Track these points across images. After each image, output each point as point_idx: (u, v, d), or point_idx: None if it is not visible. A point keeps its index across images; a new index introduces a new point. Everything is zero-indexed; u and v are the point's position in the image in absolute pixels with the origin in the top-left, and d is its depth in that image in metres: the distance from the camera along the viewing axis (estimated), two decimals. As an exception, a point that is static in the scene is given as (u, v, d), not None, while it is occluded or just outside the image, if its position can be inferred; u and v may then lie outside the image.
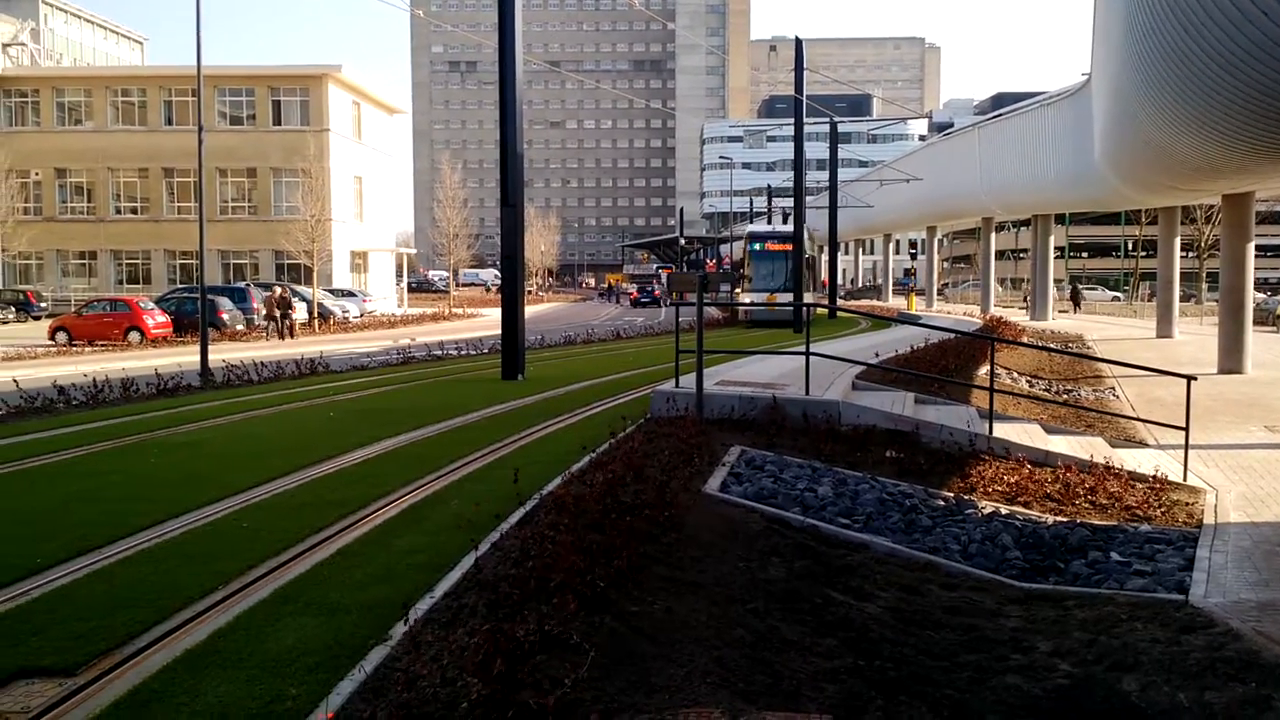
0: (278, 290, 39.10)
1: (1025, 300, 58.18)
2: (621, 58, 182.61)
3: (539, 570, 6.20)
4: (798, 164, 38.15)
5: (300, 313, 41.09)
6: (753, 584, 7.42)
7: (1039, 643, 7.20)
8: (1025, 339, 30.65)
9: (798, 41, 38.35)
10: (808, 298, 41.81)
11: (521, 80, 19.89)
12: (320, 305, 43.41)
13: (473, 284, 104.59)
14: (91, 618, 5.82)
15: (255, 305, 41.06)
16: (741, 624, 6.53)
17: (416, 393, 17.57)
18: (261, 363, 20.95)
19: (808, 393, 13.33)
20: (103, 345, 33.59)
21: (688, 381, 13.31)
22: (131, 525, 7.94)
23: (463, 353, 27.78)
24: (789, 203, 48.99)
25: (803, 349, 13.46)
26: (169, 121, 56.57)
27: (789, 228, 43.28)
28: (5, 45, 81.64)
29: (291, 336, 36.80)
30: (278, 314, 37.25)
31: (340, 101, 58.23)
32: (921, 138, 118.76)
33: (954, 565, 8.75)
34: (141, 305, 37.16)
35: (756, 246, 43.74)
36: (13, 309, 49.15)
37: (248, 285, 45.03)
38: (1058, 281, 64.03)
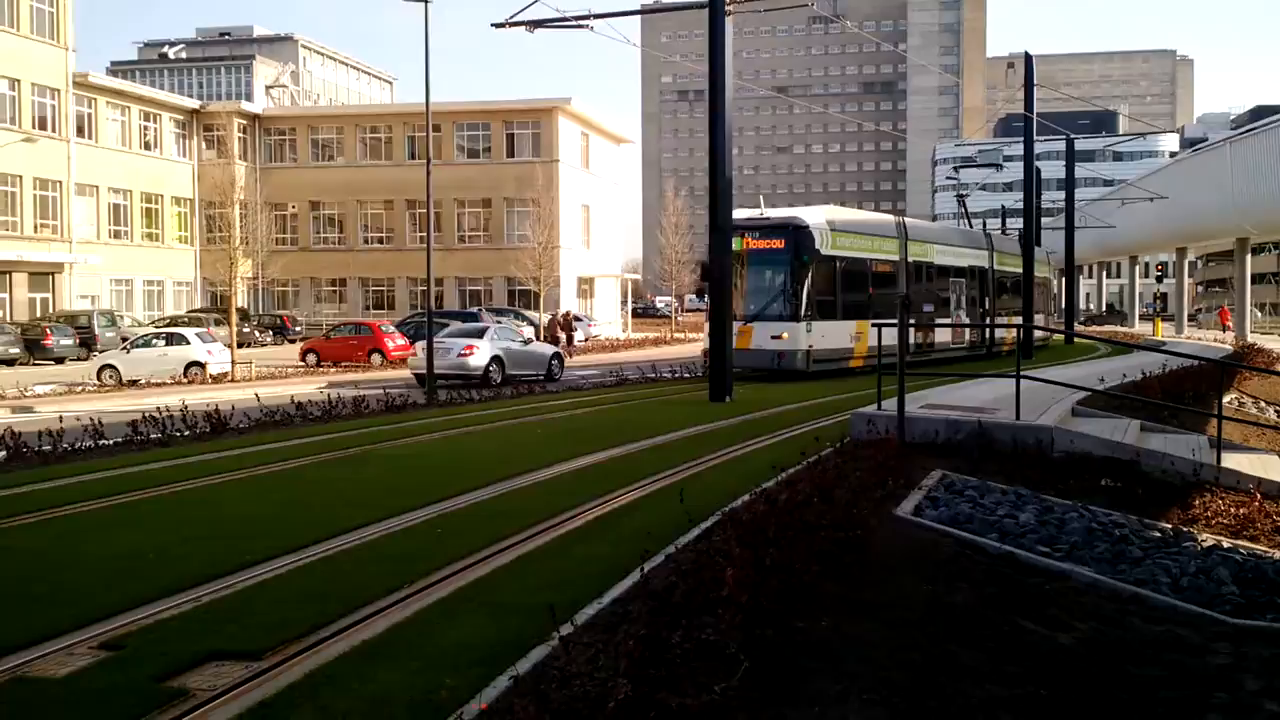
0: (563, 313, 42.40)
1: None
2: (851, 80, 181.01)
3: (707, 582, 6.25)
4: (1027, 184, 36.86)
5: (527, 335, 43.86)
6: (934, 608, 7.22)
7: (1247, 681, 6.71)
8: None
9: (1027, 57, 37.13)
10: (1038, 320, 38.89)
11: (731, 104, 20.13)
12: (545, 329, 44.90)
13: (698, 309, 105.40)
14: (285, 609, 6.27)
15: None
16: (915, 647, 6.36)
17: (624, 412, 17.95)
18: (483, 382, 21.87)
19: (1018, 418, 12.86)
20: (347, 366, 35.75)
21: (890, 405, 13.07)
22: (338, 527, 8.48)
23: (676, 375, 28.11)
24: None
25: (1023, 375, 13.05)
26: (412, 156, 59.77)
27: (789, 212, 28.90)
28: (268, 87, 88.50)
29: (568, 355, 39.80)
30: (561, 335, 40.76)
31: (569, 133, 60.15)
32: (1173, 155, 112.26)
33: (1161, 599, 8.24)
34: (383, 329, 39.40)
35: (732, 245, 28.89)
36: (271, 332, 52.99)
37: (480, 310, 47.05)
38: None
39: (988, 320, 36.68)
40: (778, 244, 26.18)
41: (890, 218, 33.41)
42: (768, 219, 27.12)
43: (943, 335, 32.46)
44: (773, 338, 25.27)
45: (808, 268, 26.12)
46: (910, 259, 31.19)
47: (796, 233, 26.34)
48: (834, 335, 26.79)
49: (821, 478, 9.41)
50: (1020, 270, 38.93)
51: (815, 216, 27.28)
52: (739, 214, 27.07)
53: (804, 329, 25.80)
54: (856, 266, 28.72)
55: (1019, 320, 37.62)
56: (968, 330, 34.44)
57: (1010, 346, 37.21)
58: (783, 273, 26.16)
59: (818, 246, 26.33)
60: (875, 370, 26.39)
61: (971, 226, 41.15)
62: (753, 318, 25.94)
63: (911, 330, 28.24)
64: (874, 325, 16.32)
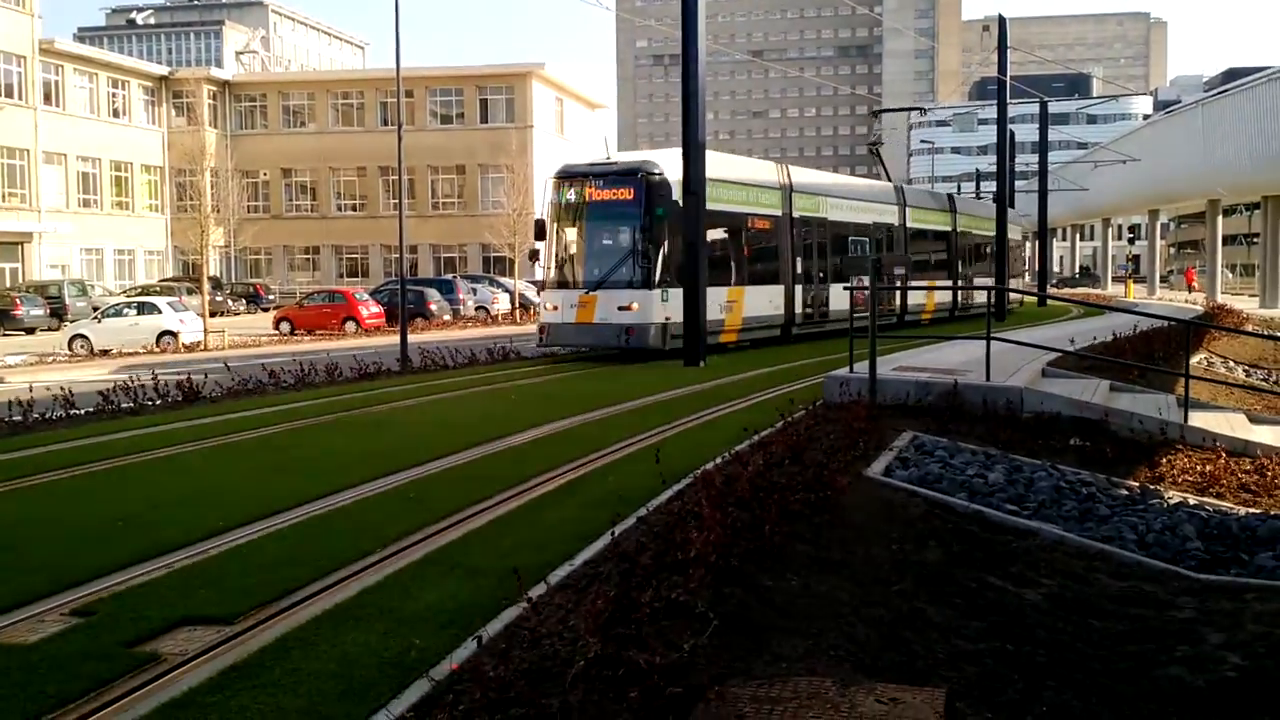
0: None
1: None
2: (826, 44, 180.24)
3: (677, 543, 6.31)
4: (1000, 147, 36.97)
5: (502, 303, 43.71)
6: (903, 566, 7.30)
7: (1209, 635, 6.84)
8: (1249, 327, 28.85)
9: (1001, 20, 37.19)
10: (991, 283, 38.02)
11: (705, 68, 20.00)
12: (521, 296, 44.79)
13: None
14: (257, 574, 6.30)
15: (461, 296, 42.85)
16: (883, 604, 6.44)
17: (598, 378, 17.97)
18: (457, 349, 21.80)
19: (988, 379, 12.96)
20: (321, 334, 35.59)
21: (863, 367, 13.15)
22: (311, 493, 8.50)
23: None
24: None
25: (994, 337, 13.16)
26: (384, 122, 59.22)
27: (641, 155, 24.30)
28: (238, 53, 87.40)
29: None
30: None
31: (544, 98, 59.78)
32: (1146, 117, 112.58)
33: (1127, 555, 8.37)
34: (357, 297, 39.26)
35: (569, 196, 22.52)
36: (243, 301, 52.65)
37: (454, 278, 46.93)
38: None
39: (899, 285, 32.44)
40: (625, 194, 21.60)
41: (771, 165, 28.38)
42: (613, 164, 22.53)
43: (840, 303, 27.68)
44: (620, 309, 20.94)
45: (663, 223, 21.40)
46: (796, 214, 26.62)
47: (648, 181, 21.45)
48: None
49: (793, 439, 9.47)
50: (948, 228, 36.19)
51: (673, 161, 21.88)
52: (581, 159, 23.65)
53: (658, 298, 21.22)
54: (727, 222, 23.95)
55: (946, 283, 35.08)
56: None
57: (930, 315, 33.99)
58: (631, 229, 21.66)
59: (676, 197, 21.28)
60: (750, 346, 23.35)
61: (889, 179, 35.52)
62: (596, 285, 21.49)
63: (798, 296, 26.18)
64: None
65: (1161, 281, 72.20)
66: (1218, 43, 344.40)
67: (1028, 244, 53.25)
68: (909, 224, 33.37)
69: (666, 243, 21.42)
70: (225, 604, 5.72)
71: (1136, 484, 10.51)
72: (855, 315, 26.69)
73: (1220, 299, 46.82)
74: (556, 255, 22.62)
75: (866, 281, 13.37)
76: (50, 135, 51.35)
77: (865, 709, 4.32)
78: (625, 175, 21.84)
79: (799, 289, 26.40)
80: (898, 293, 29.38)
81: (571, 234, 22.53)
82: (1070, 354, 16.07)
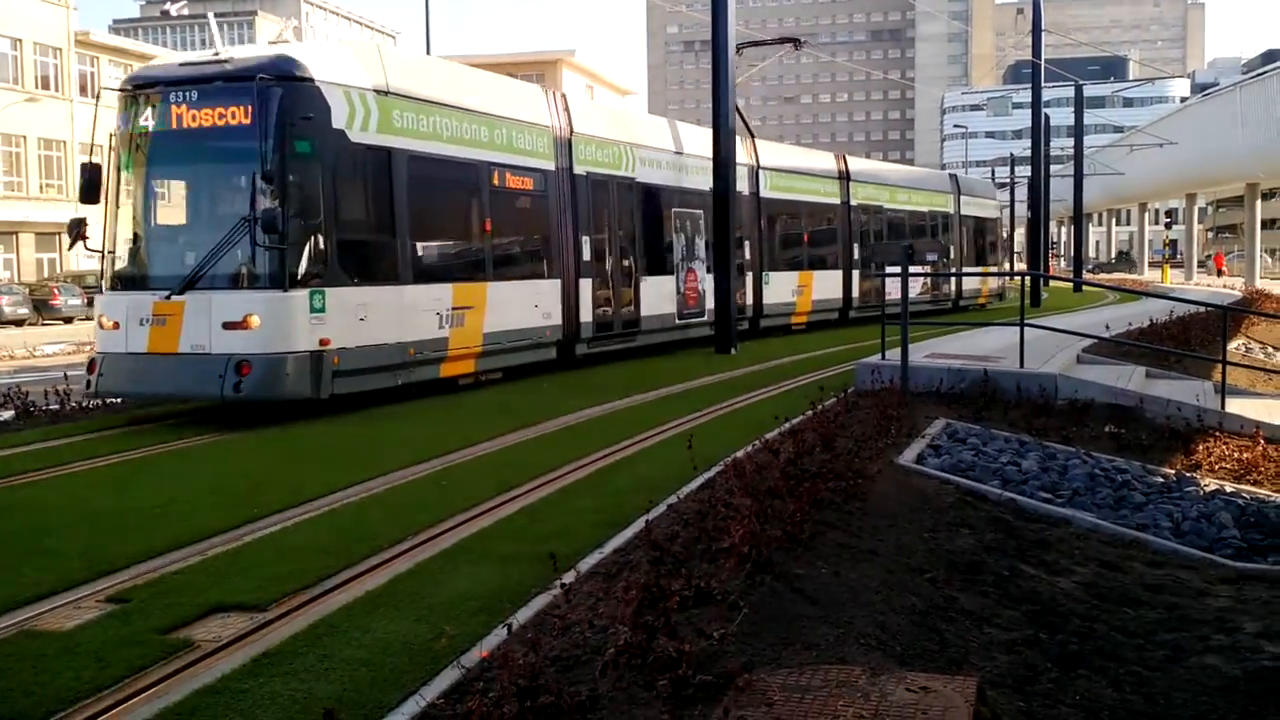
0: None
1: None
2: (859, 28, 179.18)
3: (709, 531, 6.31)
4: (1035, 131, 36.61)
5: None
6: (935, 554, 7.27)
7: (1245, 623, 6.77)
8: (1288, 312, 28.46)
9: (1035, 3, 36.77)
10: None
11: (734, 55, 19.89)
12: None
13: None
14: (291, 561, 6.36)
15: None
16: (915, 592, 6.41)
17: (629, 365, 17.93)
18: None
19: (1022, 365, 12.88)
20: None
21: (894, 354, 13.10)
22: (344, 481, 8.57)
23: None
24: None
25: (1028, 323, 13.08)
26: (416, 110, 59.43)
27: (271, 50, 12.76)
28: (271, 43, 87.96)
29: None
30: None
31: (574, 85, 59.85)
32: (1184, 100, 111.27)
33: (1162, 543, 8.31)
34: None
35: (142, 121, 12.40)
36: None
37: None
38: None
39: (749, 275, 23.21)
40: (237, 114, 12.05)
41: (537, 91, 18.22)
42: (221, 62, 12.51)
43: (659, 306, 19.78)
44: (227, 326, 11.75)
45: (312, 167, 12.36)
46: (580, 170, 17.56)
47: (280, 90, 11.99)
48: (388, 313, 13.16)
49: (824, 427, 9.42)
50: (835, 200, 27.81)
51: (335, 59, 13.08)
52: (167, 58, 15.66)
53: (303, 306, 12.00)
54: (447, 176, 14.71)
55: (823, 274, 26.75)
56: (708, 293, 21.02)
57: (801, 320, 25.74)
58: (247, 179, 12.03)
59: (339, 124, 12.58)
60: (503, 378, 15.54)
61: (750, 133, 25.25)
62: (185, 284, 11.92)
63: (585, 297, 17.46)
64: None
65: (1199, 266, 71.44)
66: (1256, 24, 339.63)
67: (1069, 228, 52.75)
68: (766, 194, 24.42)
69: (323, 204, 12.37)
70: (258, 591, 5.77)
71: (1172, 471, 10.43)
72: (684, 319, 20.44)
73: (1259, 284, 46.26)
74: (119, 230, 12.99)
75: (882, 269, 13.23)
76: (86, 126, 51.80)
77: (896, 697, 4.30)
78: (236, 83, 12.08)
79: (586, 285, 17.58)
80: (749, 288, 23.09)
81: (144, 190, 13.00)
82: (1105, 340, 15.96)
